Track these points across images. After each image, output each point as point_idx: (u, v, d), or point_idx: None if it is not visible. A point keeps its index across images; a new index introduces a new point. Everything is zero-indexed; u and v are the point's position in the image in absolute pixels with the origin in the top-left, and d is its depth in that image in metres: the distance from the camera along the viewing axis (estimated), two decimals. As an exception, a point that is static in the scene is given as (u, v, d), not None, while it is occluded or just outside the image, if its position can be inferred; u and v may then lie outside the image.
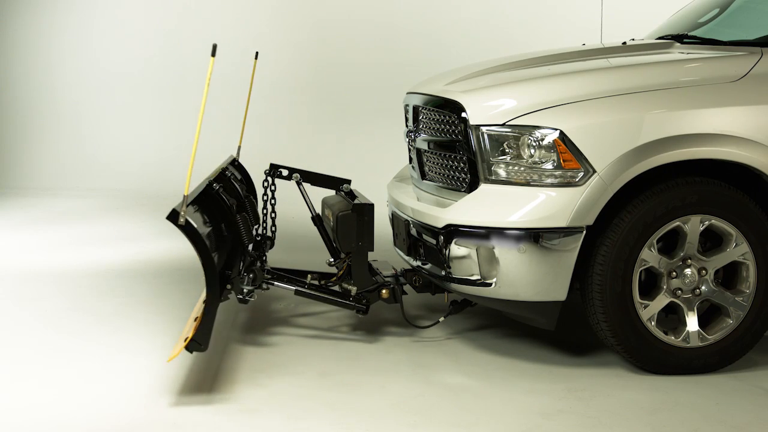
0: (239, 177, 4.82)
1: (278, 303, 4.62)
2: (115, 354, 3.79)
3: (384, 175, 5.27)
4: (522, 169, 3.44)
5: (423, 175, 4.09)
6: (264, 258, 4.36)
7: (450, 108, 3.73)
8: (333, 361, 3.72)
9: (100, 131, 9.60)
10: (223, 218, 3.85)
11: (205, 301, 3.28)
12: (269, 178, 4.59)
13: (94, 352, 3.81)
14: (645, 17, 6.20)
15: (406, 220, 3.97)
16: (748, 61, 3.51)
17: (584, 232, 3.33)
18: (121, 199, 8.46)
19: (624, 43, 4.31)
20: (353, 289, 3.95)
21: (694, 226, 3.43)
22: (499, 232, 3.37)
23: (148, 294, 4.87)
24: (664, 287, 3.47)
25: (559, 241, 3.32)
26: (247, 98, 5.14)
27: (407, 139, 4.28)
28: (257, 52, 5.31)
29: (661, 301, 3.48)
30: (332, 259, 4.24)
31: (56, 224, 7.18)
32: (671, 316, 3.57)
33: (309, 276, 4.17)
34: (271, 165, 4.59)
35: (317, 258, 4.88)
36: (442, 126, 3.82)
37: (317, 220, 4.39)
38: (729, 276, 3.56)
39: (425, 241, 3.78)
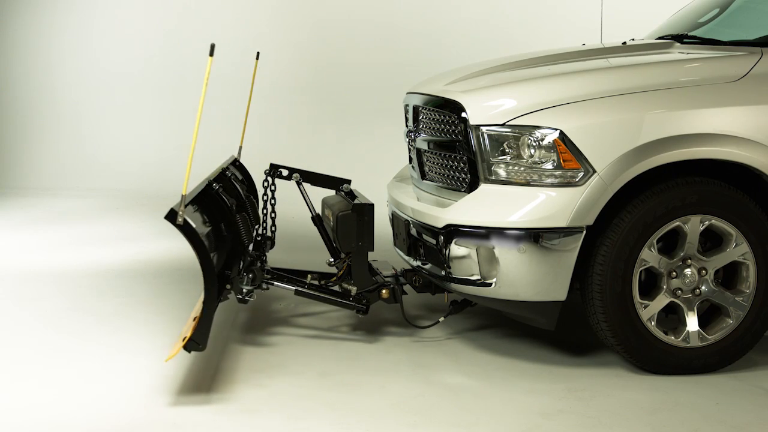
0: (240, 177, 4.82)
1: (278, 303, 4.62)
2: (115, 354, 3.79)
3: (384, 175, 5.27)
4: (522, 169, 3.44)
5: (423, 175, 4.09)
6: (264, 258, 4.36)
7: (450, 108, 3.73)
8: (333, 361, 3.72)
9: (100, 131, 9.60)
10: (223, 218, 3.85)
11: (203, 301, 3.28)
12: (269, 178, 4.59)
13: (94, 352, 3.81)
14: (645, 17, 6.20)
15: (406, 220, 3.97)
16: (748, 61, 3.52)
17: (584, 232, 3.33)
18: (121, 199, 8.46)
19: (624, 43, 4.31)
20: (353, 289, 3.95)
21: (694, 226, 3.43)
22: (499, 232, 3.37)
23: (148, 294, 4.87)
24: (664, 287, 3.47)
25: (559, 241, 3.32)
26: (249, 99, 5.14)
27: (407, 139, 4.28)
28: (258, 53, 5.31)
29: (661, 301, 3.48)
30: (332, 259, 4.24)
31: (56, 224, 7.18)
32: (671, 316, 3.57)
33: (309, 276, 4.17)
34: (271, 165, 4.59)
35: (317, 258, 4.88)
36: (442, 126, 3.82)
37: (317, 220, 4.39)
38: (729, 276, 3.56)
39: (425, 241, 3.78)
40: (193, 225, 3.21)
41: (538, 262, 3.34)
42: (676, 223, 3.41)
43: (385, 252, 4.98)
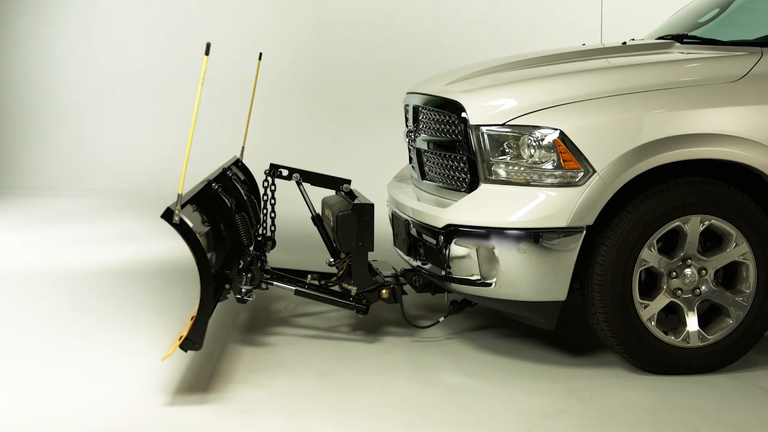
0: (242, 177, 4.82)
1: (278, 303, 4.62)
2: (115, 354, 3.79)
3: (384, 175, 5.27)
4: (522, 169, 3.43)
5: (423, 175, 4.09)
6: (263, 258, 4.36)
7: (450, 108, 3.73)
8: (333, 361, 3.72)
9: (100, 131, 9.60)
10: (222, 218, 3.85)
11: (199, 301, 3.27)
12: (269, 178, 4.59)
13: (94, 352, 3.81)
14: (645, 17, 6.20)
15: (406, 220, 3.97)
16: (748, 61, 3.51)
17: (584, 232, 3.33)
18: (121, 199, 8.46)
19: (624, 43, 4.31)
20: (353, 289, 3.95)
21: (694, 226, 3.43)
22: (499, 232, 3.37)
23: (148, 294, 4.87)
24: (664, 287, 3.47)
25: (559, 241, 3.32)
26: (251, 99, 5.13)
27: (407, 139, 4.28)
28: (261, 53, 5.31)
29: (661, 301, 3.48)
30: (332, 259, 4.24)
31: (56, 224, 7.17)
32: (671, 316, 3.57)
33: (309, 276, 4.17)
34: (271, 165, 4.59)
35: (317, 258, 4.88)
36: (442, 126, 3.82)
37: (317, 220, 4.39)
38: (729, 276, 3.56)
39: (425, 241, 3.77)
40: (190, 224, 3.21)
41: (538, 262, 3.34)
42: (676, 223, 3.41)
43: (385, 252, 4.98)
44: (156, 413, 3.12)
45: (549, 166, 3.38)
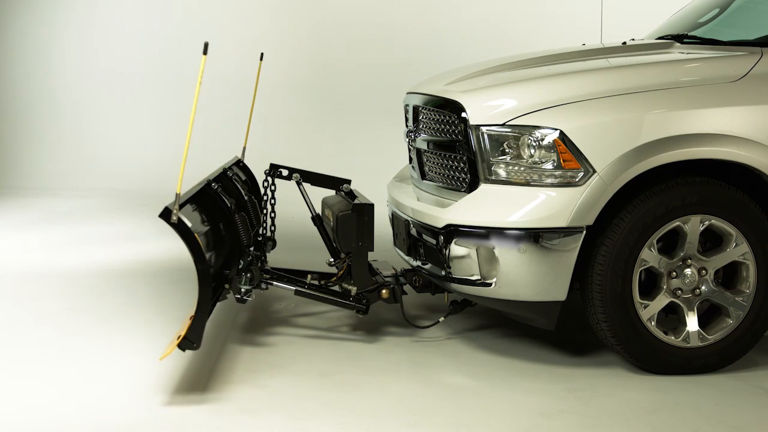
0: (243, 178, 4.81)
1: (278, 303, 4.62)
2: (115, 354, 3.79)
3: (384, 175, 5.27)
4: (522, 169, 3.43)
5: (423, 175, 4.09)
6: (264, 258, 4.36)
7: (450, 108, 3.73)
8: (333, 361, 3.72)
9: (100, 131, 9.60)
10: (222, 218, 3.85)
11: (197, 300, 3.27)
12: (269, 178, 4.59)
13: (94, 352, 3.81)
14: (645, 17, 6.20)
15: (406, 220, 3.97)
16: (748, 61, 3.51)
17: (584, 232, 3.33)
18: (121, 199, 8.46)
19: (624, 43, 4.31)
20: (353, 289, 3.95)
21: (694, 226, 3.43)
22: (499, 232, 3.37)
23: (148, 294, 4.87)
24: (664, 287, 3.47)
25: (559, 241, 3.32)
26: (252, 99, 5.13)
27: (407, 139, 4.28)
28: (262, 54, 5.31)
29: (661, 301, 3.48)
30: (332, 259, 4.24)
31: (56, 224, 7.18)
32: (671, 316, 3.57)
33: (309, 276, 4.17)
34: (271, 165, 4.59)
35: (317, 258, 4.88)
36: (442, 126, 3.82)
37: (317, 220, 4.39)
38: (729, 276, 3.56)
39: (425, 241, 3.77)
40: (188, 224, 3.21)
41: (538, 262, 3.34)
42: (676, 223, 3.41)
43: (385, 252, 4.98)
44: (156, 413, 3.12)
45: (549, 166, 3.38)
